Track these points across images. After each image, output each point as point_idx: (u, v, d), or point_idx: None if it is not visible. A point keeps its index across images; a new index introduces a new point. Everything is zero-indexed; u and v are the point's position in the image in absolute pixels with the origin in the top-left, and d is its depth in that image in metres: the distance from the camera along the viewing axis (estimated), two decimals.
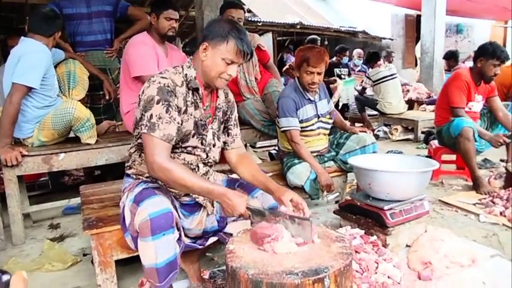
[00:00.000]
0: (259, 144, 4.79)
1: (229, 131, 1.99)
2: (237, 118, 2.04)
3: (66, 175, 4.16)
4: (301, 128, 2.84)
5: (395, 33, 11.55)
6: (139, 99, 1.69)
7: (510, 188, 3.13)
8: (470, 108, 3.65)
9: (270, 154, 4.71)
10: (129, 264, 2.18)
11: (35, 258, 2.46)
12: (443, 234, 2.40)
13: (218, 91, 1.89)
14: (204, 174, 1.89)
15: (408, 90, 7.26)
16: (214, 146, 1.87)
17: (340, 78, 6.94)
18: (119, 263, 2.06)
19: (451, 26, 13.03)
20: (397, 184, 2.26)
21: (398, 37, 11.58)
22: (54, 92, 2.84)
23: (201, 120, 1.79)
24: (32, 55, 2.61)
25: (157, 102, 1.63)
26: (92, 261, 2.06)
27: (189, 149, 1.79)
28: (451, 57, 7.12)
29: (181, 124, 1.72)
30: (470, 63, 7.20)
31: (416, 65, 10.02)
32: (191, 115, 1.76)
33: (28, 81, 2.57)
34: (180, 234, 1.71)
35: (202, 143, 1.81)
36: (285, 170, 2.83)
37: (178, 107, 1.69)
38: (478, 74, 3.58)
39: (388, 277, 2.01)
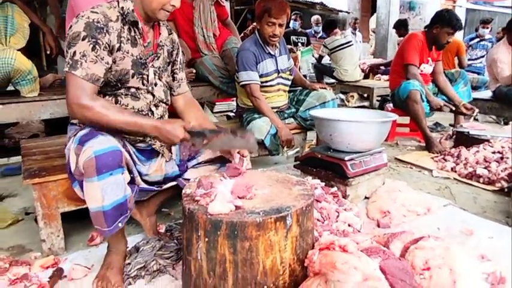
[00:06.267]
0: (216, 109, 4.68)
1: (175, 75, 1.86)
2: (182, 61, 1.90)
3: (7, 137, 3.82)
4: (261, 83, 2.74)
5: (351, 6, 11.63)
6: (67, 36, 1.51)
7: (460, 147, 3.24)
8: (422, 70, 3.73)
9: (227, 116, 4.61)
10: (79, 221, 2.03)
11: None
12: (401, 186, 2.46)
13: (160, 27, 1.73)
14: (160, 117, 1.75)
15: (365, 63, 7.35)
16: (156, 85, 1.72)
17: (296, 45, 6.87)
18: (66, 220, 1.91)
19: (404, 3, 13.28)
20: (358, 134, 2.24)
21: (354, 10, 11.68)
22: None
23: (140, 58, 1.63)
24: None
25: (83, 39, 1.46)
26: (36, 220, 1.89)
27: (133, 91, 1.64)
28: (401, 26, 7.21)
29: (115, 63, 1.56)
30: None
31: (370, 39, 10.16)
32: (127, 53, 1.59)
33: None
34: (133, 178, 1.59)
35: (143, 83, 1.66)
36: (244, 125, 2.74)
37: (109, 45, 1.52)
38: (432, 40, 3.66)
39: (349, 225, 2.01)
